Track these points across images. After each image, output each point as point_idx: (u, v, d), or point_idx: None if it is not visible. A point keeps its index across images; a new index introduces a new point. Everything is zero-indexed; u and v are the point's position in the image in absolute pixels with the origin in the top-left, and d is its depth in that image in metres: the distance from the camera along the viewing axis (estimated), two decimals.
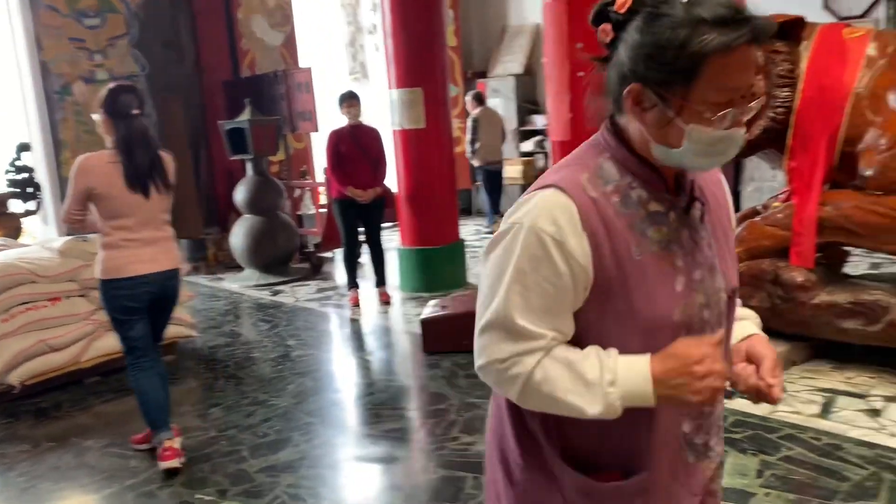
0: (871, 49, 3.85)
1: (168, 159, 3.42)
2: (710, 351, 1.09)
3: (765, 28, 1.05)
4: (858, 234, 3.78)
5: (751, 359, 1.24)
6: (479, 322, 1.17)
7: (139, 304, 3.31)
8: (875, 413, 3.39)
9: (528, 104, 9.83)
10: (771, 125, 3.98)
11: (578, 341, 1.16)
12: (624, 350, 1.13)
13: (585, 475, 1.20)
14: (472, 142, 8.63)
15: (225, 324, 5.87)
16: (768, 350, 1.24)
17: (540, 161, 9.63)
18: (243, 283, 7.16)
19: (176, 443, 3.39)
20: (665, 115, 1.09)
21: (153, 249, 3.31)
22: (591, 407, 1.10)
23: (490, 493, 1.37)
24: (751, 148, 4.15)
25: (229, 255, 7.68)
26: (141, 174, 3.25)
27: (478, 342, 1.18)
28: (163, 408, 3.42)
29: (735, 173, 7.31)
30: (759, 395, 1.20)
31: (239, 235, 7.18)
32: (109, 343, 4.28)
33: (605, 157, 1.17)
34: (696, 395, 1.09)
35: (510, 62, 9.99)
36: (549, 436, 1.22)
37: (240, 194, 7.19)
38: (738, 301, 1.32)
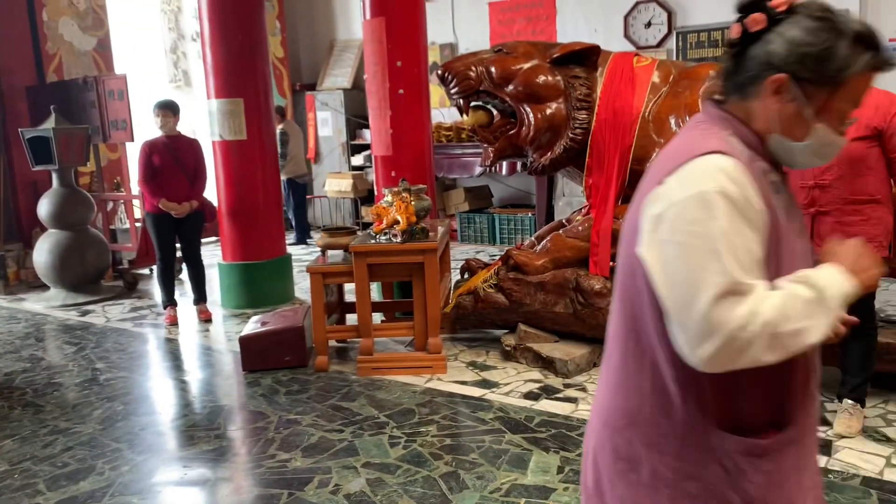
0: (655, 77, 4.27)
1: None
2: (860, 246, 1.22)
3: (893, 63, 1.23)
4: None
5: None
6: (697, 306, 1.10)
7: None
8: None
9: (358, 118, 9.90)
10: (570, 145, 4.30)
11: None
12: None
13: (746, 437, 1.23)
14: (283, 155, 8.56)
15: (24, 348, 5.41)
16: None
17: (370, 175, 9.71)
18: (48, 304, 6.64)
19: None
20: (802, 110, 1.20)
21: None
22: (821, 323, 1.13)
23: (611, 479, 1.33)
24: (553, 166, 4.45)
25: (33, 273, 7.09)
26: None
27: (702, 329, 1.10)
28: None
29: (548, 189, 7.76)
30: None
31: (43, 251, 6.66)
32: None
33: (728, 133, 1.24)
34: (870, 272, 1.20)
35: (338, 76, 10.02)
36: (704, 414, 1.22)
37: (44, 207, 6.67)
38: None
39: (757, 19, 1.21)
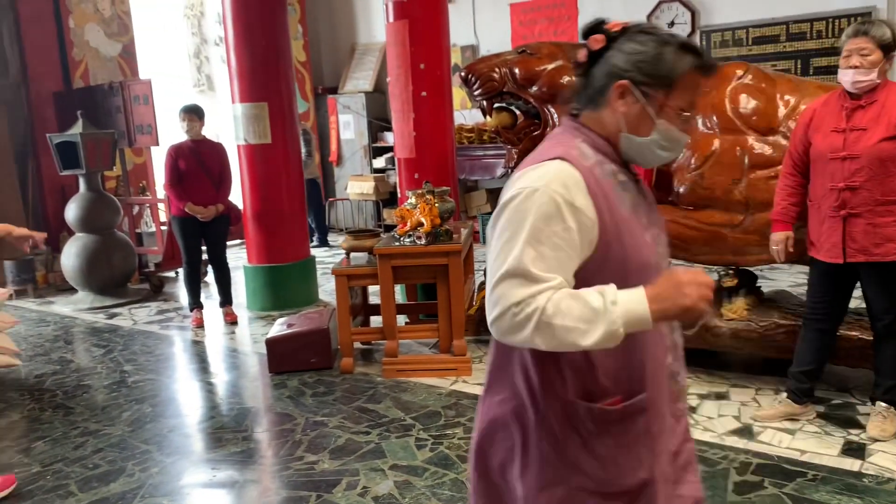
0: None
1: None
2: (698, 278, 1.30)
3: (715, 67, 1.44)
4: (674, 246, 4.07)
5: None
6: (495, 275, 1.32)
7: None
8: (691, 410, 3.70)
9: (379, 121, 9.93)
10: None
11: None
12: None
13: (595, 403, 1.40)
14: (309, 154, 8.60)
15: (54, 350, 5.48)
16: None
17: (392, 177, 9.74)
18: (76, 307, 6.72)
19: None
20: (645, 109, 1.40)
21: None
22: (597, 330, 1.25)
23: (501, 458, 1.50)
24: None
25: (61, 276, 7.19)
26: None
27: (492, 294, 1.32)
28: None
29: None
30: None
31: (71, 255, 6.74)
32: None
33: (579, 141, 1.43)
34: (688, 301, 1.27)
35: (360, 79, 10.06)
36: (564, 385, 1.39)
37: (72, 212, 6.76)
38: None
39: (597, 39, 1.43)
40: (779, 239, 3.43)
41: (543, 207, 1.30)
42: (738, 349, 4.03)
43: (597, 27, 1.44)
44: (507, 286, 1.29)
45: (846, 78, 3.14)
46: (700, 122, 4.07)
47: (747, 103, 3.98)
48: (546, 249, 1.29)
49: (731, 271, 4.10)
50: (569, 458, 1.41)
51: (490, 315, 1.32)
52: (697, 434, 3.41)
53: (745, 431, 3.44)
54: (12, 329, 5.04)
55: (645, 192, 1.51)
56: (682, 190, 4.05)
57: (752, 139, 3.92)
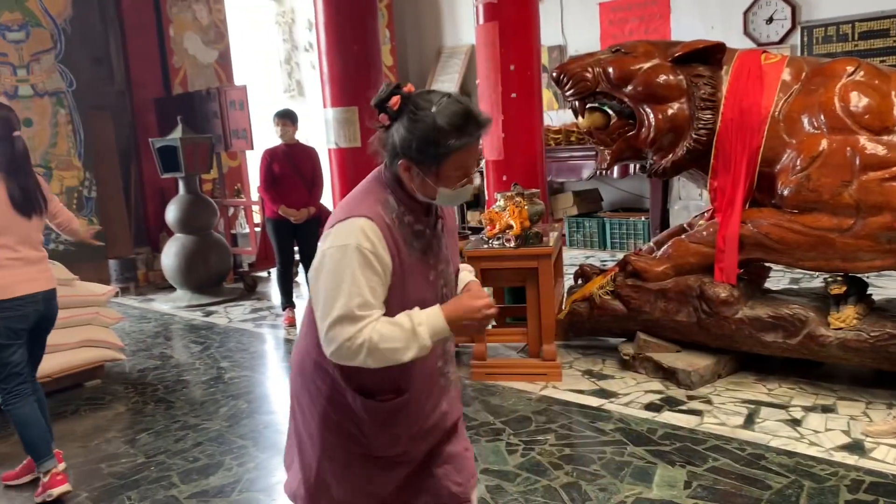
0: (786, 74, 4.05)
1: (42, 180, 3.48)
2: (484, 300, 1.72)
3: (487, 126, 1.68)
4: (777, 251, 3.95)
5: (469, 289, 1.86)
6: (326, 320, 1.65)
7: (26, 326, 3.29)
8: (795, 423, 3.53)
9: None
10: (694, 146, 4.14)
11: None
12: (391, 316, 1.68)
13: (369, 399, 1.78)
14: None
15: (155, 346, 5.72)
16: (475, 285, 1.87)
17: (476, 179, 9.72)
18: (175, 304, 6.99)
19: (62, 467, 3.36)
20: (425, 181, 1.68)
21: (35, 269, 3.33)
22: (413, 348, 1.64)
23: (296, 424, 1.92)
24: (675, 168, 4.30)
25: (160, 275, 7.50)
26: (28, 195, 3.30)
27: (327, 335, 1.65)
28: (47, 435, 3.36)
29: (663, 192, 7.53)
30: None
31: (170, 255, 7.02)
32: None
33: (387, 193, 1.73)
34: (476, 315, 1.70)
35: (446, 82, 10.09)
36: (345, 378, 1.77)
37: (171, 213, 7.04)
38: (464, 267, 2.01)
39: (383, 119, 1.70)
40: None
41: (357, 260, 1.62)
42: (846, 360, 3.83)
43: (381, 103, 1.68)
44: (339, 328, 1.62)
45: None
46: (806, 121, 3.89)
47: (859, 101, 3.78)
48: (364, 292, 1.63)
49: (838, 278, 3.89)
50: (344, 430, 1.82)
51: (327, 350, 1.66)
52: (802, 448, 3.25)
53: (856, 447, 3.25)
54: (117, 325, 5.28)
55: (441, 231, 1.82)
56: (785, 192, 3.88)
57: (864, 139, 3.71)
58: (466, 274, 1.99)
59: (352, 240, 1.63)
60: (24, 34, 7.20)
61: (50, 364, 4.20)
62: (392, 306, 1.69)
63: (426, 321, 1.65)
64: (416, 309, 1.68)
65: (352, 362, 1.65)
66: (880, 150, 3.68)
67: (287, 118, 5.79)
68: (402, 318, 1.65)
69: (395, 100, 1.66)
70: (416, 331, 1.63)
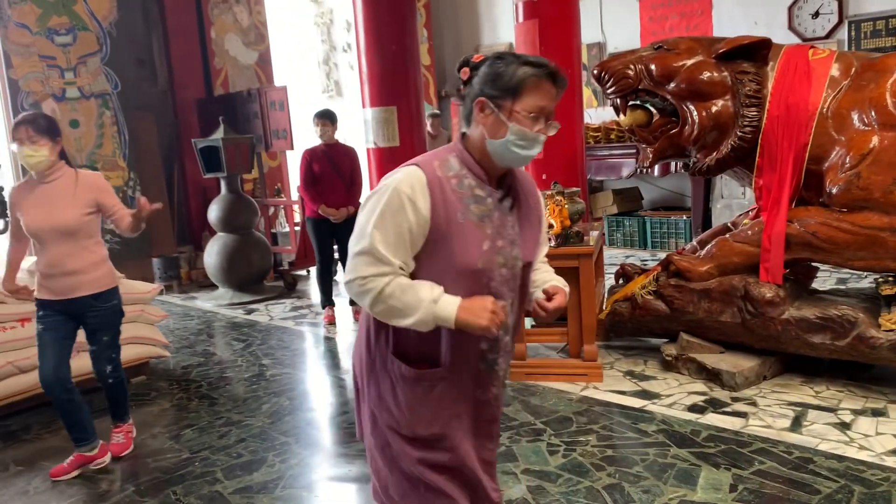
0: (834, 70, 3.96)
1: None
2: (494, 304, 1.67)
3: (563, 77, 1.74)
4: (825, 251, 3.86)
5: (547, 292, 1.88)
6: (354, 248, 1.71)
7: None
8: (844, 426, 3.45)
9: None
10: (739, 144, 4.07)
11: (414, 278, 1.73)
12: (441, 283, 1.69)
13: (407, 364, 1.80)
14: None
15: (198, 343, 5.81)
16: (560, 287, 1.91)
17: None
18: (217, 302, 7.10)
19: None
20: (498, 119, 1.71)
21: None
22: (415, 315, 1.66)
23: (359, 383, 1.95)
24: (720, 166, 4.23)
25: (203, 273, 7.62)
26: None
27: (350, 263, 1.71)
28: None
29: (706, 191, 7.42)
30: (538, 308, 1.88)
31: (213, 253, 7.13)
32: (78, 364, 4.21)
33: (452, 155, 1.77)
34: (481, 322, 1.65)
35: None
36: (388, 342, 1.82)
37: (213, 212, 7.14)
38: (546, 267, 2.04)
39: (464, 71, 1.78)
40: None
41: (392, 201, 1.66)
42: None
43: (465, 61, 1.79)
44: (361, 261, 1.69)
45: None
46: (856, 117, 3.80)
47: None
48: (390, 234, 1.66)
49: (890, 278, 3.79)
50: (382, 397, 1.85)
51: (345, 278, 1.74)
52: (852, 452, 3.17)
53: None
54: (161, 322, 5.37)
55: (510, 210, 1.81)
56: (834, 190, 3.79)
57: None
58: (550, 276, 1.98)
59: (393, 182, 1.68)
60: (72, 38, 7.38)
61: None
62: (439, 268, 1.70)
63: (441, 303, 1.66)
64: (440, 288, 1.68)
65: (359, 300, 1.73)
66: None
67: (326, 118, 5.84)
68: (423, 286, 1.68)
69: (478, 56, 1.77)
70: (427, 305, 1.65)
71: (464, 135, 1.80)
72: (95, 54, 7.53)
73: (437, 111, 9.12)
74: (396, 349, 1.81)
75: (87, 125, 7.48)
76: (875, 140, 3.69)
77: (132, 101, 7.78)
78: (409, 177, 1.68)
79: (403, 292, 1.66)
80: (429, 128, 8.66)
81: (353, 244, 1.71)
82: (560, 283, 1.96)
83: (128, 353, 4.77)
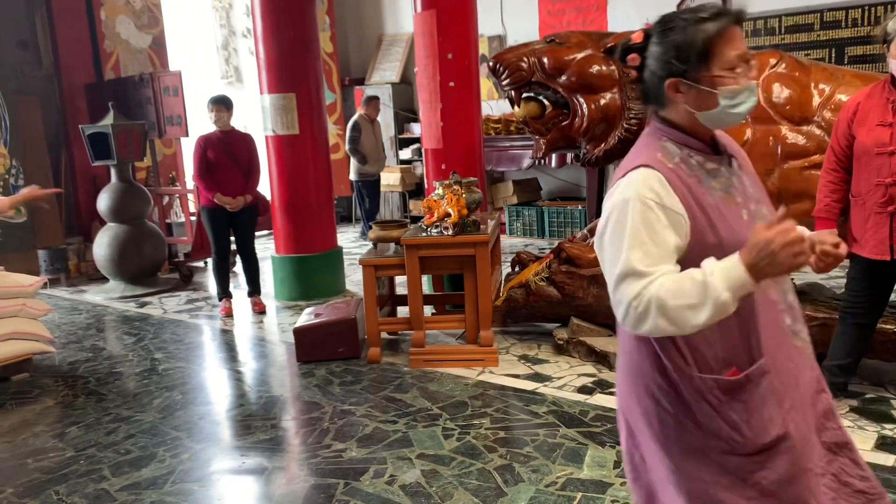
0: None
1: None
2: (777, 230, 1.35)
3: (743, 13, 1.53)
4: None
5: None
6: (611, 282, 1.47)
7: None
8: None
9: (406, 112, 9.93)
10: (626, 136, 4.22)
11: None
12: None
13: (720, 376, 1.53)
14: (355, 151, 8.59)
15: (86, 338, 5.58)
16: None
17: (419, 168, 9.74)
18: (108, 295, 6.82)
19: None
20: (700, 93, 1.51)
21: None
22: (707, 305, 1.36)
23: (636, 426, 1.68)
24: (608, 157, 4.38)
25: (93, 265, 7.30)
26: None
27: (614, 298, 1.47)
28: None
29: (600, 182, 7.67)
30: (823, 257, 1.60)
31: (103, 245, 6.84)
32: None
33: (664, 140, 1.57)
34: (784, 257, 1.34)
35: (386, 70, 10.06)
36: (686, 362, 1.53)
37: (103, 202, 6.85)
38: None
39: (633, 58, 1.58)
40: None
41: (638, 213, 1.45)
42: None
43: (625, 46, 1.59)
44: (623, 287, 1.44)
45: None
46: None
47: (781, 92, 3.91)
48: (648, 247, 1.44)
49: None
50: (705, 425, 1.54)
51: (619, 316, 1.47)
52: None
53: None
54: (46, 317, 5.13)
55: (739, 169, 1.62)
56: None
57: (785, 129, 3.85)
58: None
59: (632, 192, 1.47)
60: None
61: None
62: (707, 256, 1.46)
63: (719, 270, 1.38)
64: (710, 259, 1.42)
65: (643, 328, 1.43)
66: (800, 140, 3.82)
67: (221, 104, 5.69)
68: (690, 269, 1.42)
69: (638, 34, 1.58)
70: (706, 282, 1.37)
71: (657, 115, 1.61)
72: None
73: (376, 94, 9.00)
74: (701, 366, 1.53)
75: None
76: (748, 133, 3.92)
77: (13, 86, 7.34)
78: (645, 181, 1.47)
79: (678, 288, 1.39)
80: (363, 111, 8.58)
81: (610, 275, 1.48)
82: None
83: (8, 350, 4.56)
